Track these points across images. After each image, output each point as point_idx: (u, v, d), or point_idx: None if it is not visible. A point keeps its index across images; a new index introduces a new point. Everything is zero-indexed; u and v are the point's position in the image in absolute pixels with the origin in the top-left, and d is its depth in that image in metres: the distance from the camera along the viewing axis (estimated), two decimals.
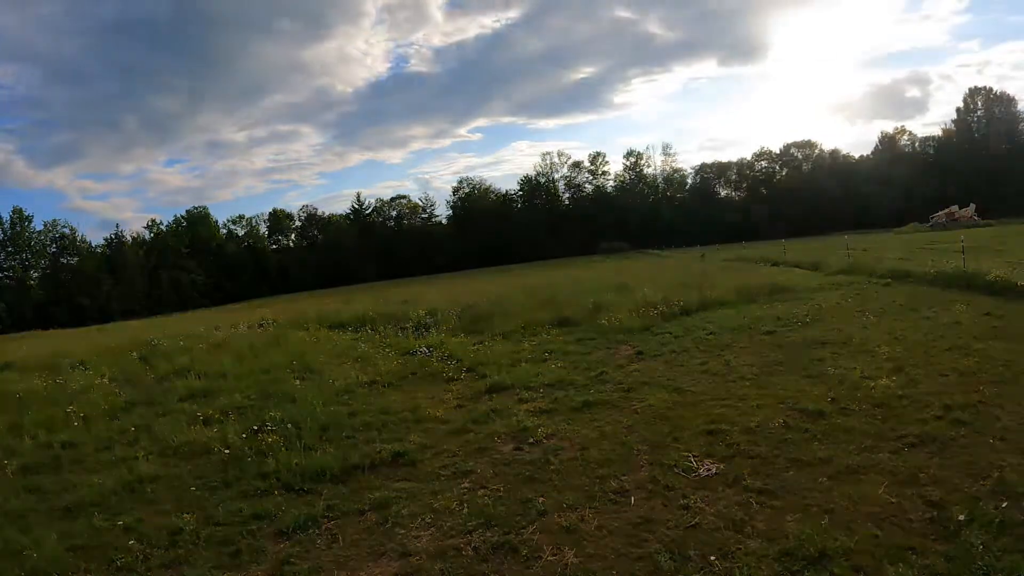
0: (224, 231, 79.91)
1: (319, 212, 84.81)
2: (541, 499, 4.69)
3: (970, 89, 73.58)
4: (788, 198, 75.29)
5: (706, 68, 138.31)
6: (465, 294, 20.72)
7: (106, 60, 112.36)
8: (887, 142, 78.04)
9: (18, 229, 62.22)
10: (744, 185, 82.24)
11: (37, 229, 63.79)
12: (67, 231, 65.13)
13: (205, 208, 79.34)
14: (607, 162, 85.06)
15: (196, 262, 70.74)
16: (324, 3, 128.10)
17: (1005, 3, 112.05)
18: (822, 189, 72.88)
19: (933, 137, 76.37)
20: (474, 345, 11.24)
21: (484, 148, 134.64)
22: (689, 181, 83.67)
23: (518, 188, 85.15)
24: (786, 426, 5.64)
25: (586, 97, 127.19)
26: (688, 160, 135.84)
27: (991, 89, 71.94)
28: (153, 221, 76.03)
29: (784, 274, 19.98)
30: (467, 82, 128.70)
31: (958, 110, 73.44)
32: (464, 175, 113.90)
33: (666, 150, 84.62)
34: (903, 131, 78.35)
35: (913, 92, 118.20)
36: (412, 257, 77.68)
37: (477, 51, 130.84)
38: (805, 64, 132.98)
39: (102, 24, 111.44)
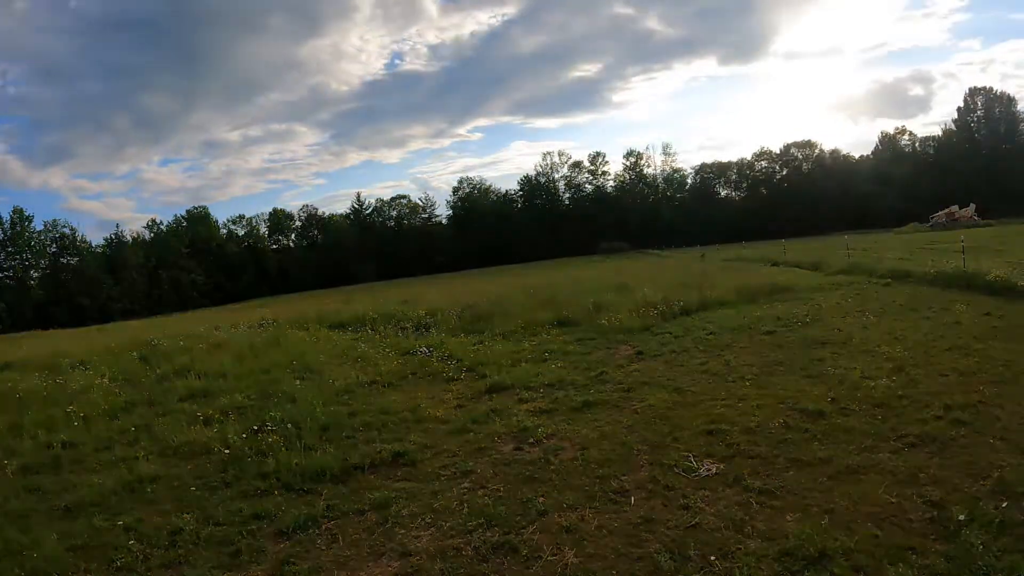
0: (224, 231, 79.95)
1: (319, 212, 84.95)
2: (541, 499, 4.69)
3: (970, 89, 73.72)
4: (788, 198, 75.34)
5: (706, 66, 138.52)
6: (465, 294, 20.72)
7: (93, 58, 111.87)
8: (887, 142, 78.08)
9: (18, 229, 62.20)
10: (744, 185, 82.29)
11: (37, 229, 63.88)
12: (67, 231, 65.19)
13: (205, 208, 79.50)
14: (607, 162, 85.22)
15: (196, 262, 70.75)
16: None
17: (1006, 1, 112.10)
18: (822, 189, 72.89)
19: (933, 137, 76.54)
20: (474, 345, 11.24)
21: (483, 148, 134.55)
22: (689, 181, 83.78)
23: (518, 188, 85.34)
24: (786, 426, 5.64)
25: (585, 96, 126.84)
26: (688, 160, 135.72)
27: (991, 89, 72.06)
28: (153, 221, 76.24)
29: (784, 274, 19.98)
30: (465, 81, 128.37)
31: (958, 110, 73.56)
32: (463, 175, 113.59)
33: (666, 150, 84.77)
34: (903, 131, 78.52)
35: (916, 90, 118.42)
36: (412, 257, 77.72)
37: (474, 48, 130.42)
38: (806, 62, 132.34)
39: (87, 22, 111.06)
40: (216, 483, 5.64)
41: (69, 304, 57.99)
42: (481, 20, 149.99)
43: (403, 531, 4.44)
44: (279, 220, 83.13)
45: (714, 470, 4.91)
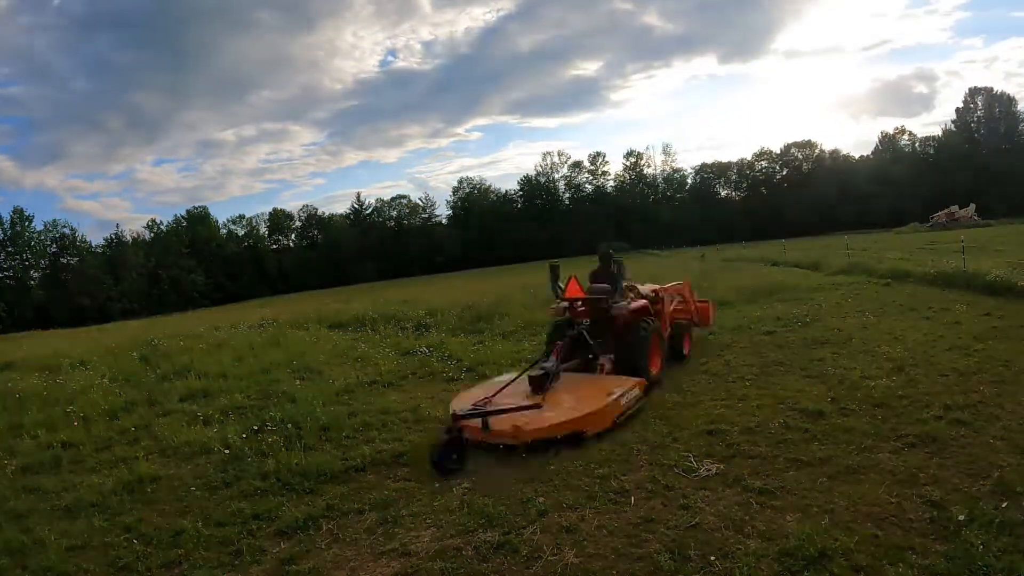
0: (224, 231, 79.95)
1: (319, 212, 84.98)
2: (541, 499, 4.68)
3: (970, 89, 73.79)
4: (788, 198, 75.35)
5: (706, 65, 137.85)
6: (465, 294, 20.72)
7: (78, 56, 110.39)
8: (887, 142, 78.11)
9: (18, 229, 62.22)
10: (744, 185, 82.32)
11: (37, 229, 63.90)
12: (67, 231, 65.22)
13: (205, 208, 79.46)
14: (607, 162, 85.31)
15: (196, 262, 70.75)
16: None
17: None
18: (822, 189, 72.87)
19: (933, 137, 76.54)
20: (474, 345, 11.24)
21: (481, 148, 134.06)
22: (689, 181, 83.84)
23: (518, 188, 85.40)
24: (786, 426, 5.64)
25: (584, 94, 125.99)
26: (688, 160, 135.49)
27: (991, 89, 72.15)
28: (153, 221, 76.19)
29: (784, 274, 19.99)
30: (462, 79, 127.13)
31: (958, 110, 73.64)
32: (461, 175, 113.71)
33: (666, 150, 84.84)
34: (903, 131, 78.53)
35: (919, 89, 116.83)
36: (412, 257, 77.76)
37: (471, 45, 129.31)
38: (807, 61, 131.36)
39: (70, 19, 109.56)
40: (216, 483, 5.63)
41: (69, 304, 58.00)
42: (476, 16, 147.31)
43: (403, 531, 4.43)
44: (279, 220, 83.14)
45: (714, 470, 4.91)
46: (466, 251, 77.02)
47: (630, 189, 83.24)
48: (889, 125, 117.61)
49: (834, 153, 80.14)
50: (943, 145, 73.49)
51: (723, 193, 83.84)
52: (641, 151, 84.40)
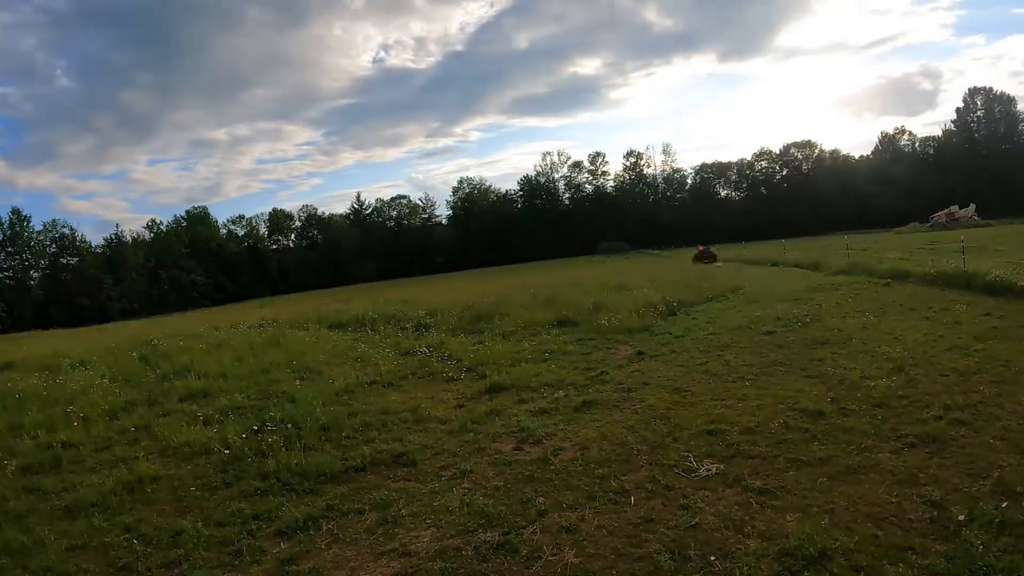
0: (224, 231, 80.00)
1: (319, 212, 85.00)
2: (541, 499, 4.69)
3: (970, 89, 73.81)
4: (788, 198, 75.43)
5: (706, 63, 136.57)
6: (465, 294, 20.71)
7: (63, 54, 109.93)
8: (887, 142, 78.15)
9: (18, 229, 62.23)
10: (744, 185, 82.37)
11: (37, 229, 63.91)
12: (67, 231, 65.23)
13: (205, 208, 79.58)
14: (607, 162, 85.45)
15: (196, 262, 70.77)
16: None
17: None
18: (822, 189, 72.96)
19: (933, 137, 76.64)
20: (474, 345, 11.23)
21: (480, 147, 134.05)
22: (689, 181, 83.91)
23: (518, 188, 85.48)
24: (786, 426, 5.64)
25: (584, 93, 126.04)
26: (688, 160, 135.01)
27: (991, 89, 72.13)
28: (153, 221, 76.32)
29: (784, 274, 20.00)
30: (460, 78, 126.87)
31: (958, 110, 73.64)
32: (458, 174, 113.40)
33: (666, 150, 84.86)
34: (903, 131, 78.57)
35: (923, 87, 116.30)
36: (412, 257, 77.82)
37: (467, 43, 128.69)
38: (808, 59, 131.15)
39: (53, 16, 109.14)
40: (216, 483, 5.64)
41: (69, 304, 58.02)
42: (472, 11, 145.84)
43: (403, 531, 4.43)
44: (279, 220, 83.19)
45: (714, 470, 4.91)
46: (466, 251, 77.05)
47: (630, 189, 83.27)
48: (893, 123, 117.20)
49: (834, 153, 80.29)
50: (943, 145, 73.54)
51: (723, 193, 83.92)
52: (641, 151, 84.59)
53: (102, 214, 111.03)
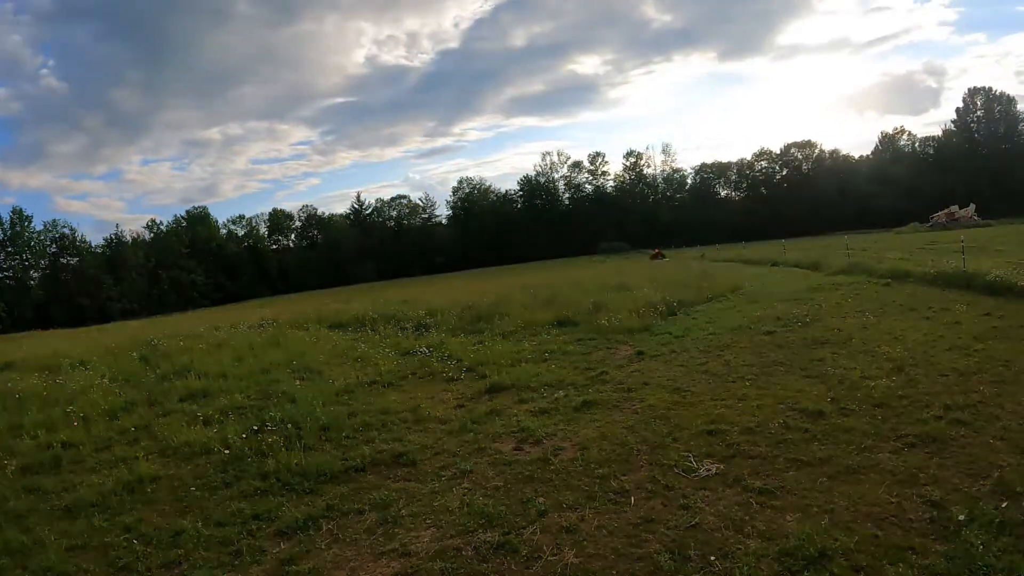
0: (224, 231, 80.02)
1: (319, 212, 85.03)
2: (541, 499, 4.69)
3: (969, 89, 73.84)
4: (788, 198, 75.45)
5: (706, 61, 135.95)
6: (465, 294, 20.71)
7: (48, 52, 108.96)
8: (887, 142, 78.15)
9: (18, 229, 62.23)
10: (744, 185, 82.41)
11: (37, 229, 63.90)
12: (67, 231, 65.26)
13: (205, 208, 79.66)
14: (607, 162, 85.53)
15: (196, 262, 70.80)
16: None
17: None
18: (822, 189, 72.98)
19: (933, 137, 76.64)
20: (474, 345, 11.23)
21: (479, 147, 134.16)
22: (689, 181, 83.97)
23: (518, 188, 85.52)
24: (786, 426, 5.64)
25: (583, 92, 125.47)
26: (688, 159, 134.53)
27: (991, 89, 72.12)
28: (153, 221, 76.39)
29: (784, 274, 20.01)
30: (458, 76, 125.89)
31: (958, 110, 73.66)
32: (457, 174, 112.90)
33: (666, 150, 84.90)
34: (903, 131, 78.58)
35: (928, 83, 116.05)
36: (412, 257, 77.86)
37: (463, 40, 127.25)
38: (809, 58, 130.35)
39: (36, 13, 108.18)
40: (216, 483, 5.64)
41: (69, 304, 58.03)
42: (467, 6, 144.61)
43: (403, 531, 4.43)
44: (279, 220, 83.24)
45: (714, 470, 4.90)
46: (466, 251, 77.07)
47: (630, 189, 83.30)
48: (897, 121, 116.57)
49: (834, 153, 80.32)
50: (943, 145, 73.53)
51: (723, 193, 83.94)
52: (641, 151, 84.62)
53: (98, 214, 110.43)
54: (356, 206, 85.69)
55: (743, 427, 5.74)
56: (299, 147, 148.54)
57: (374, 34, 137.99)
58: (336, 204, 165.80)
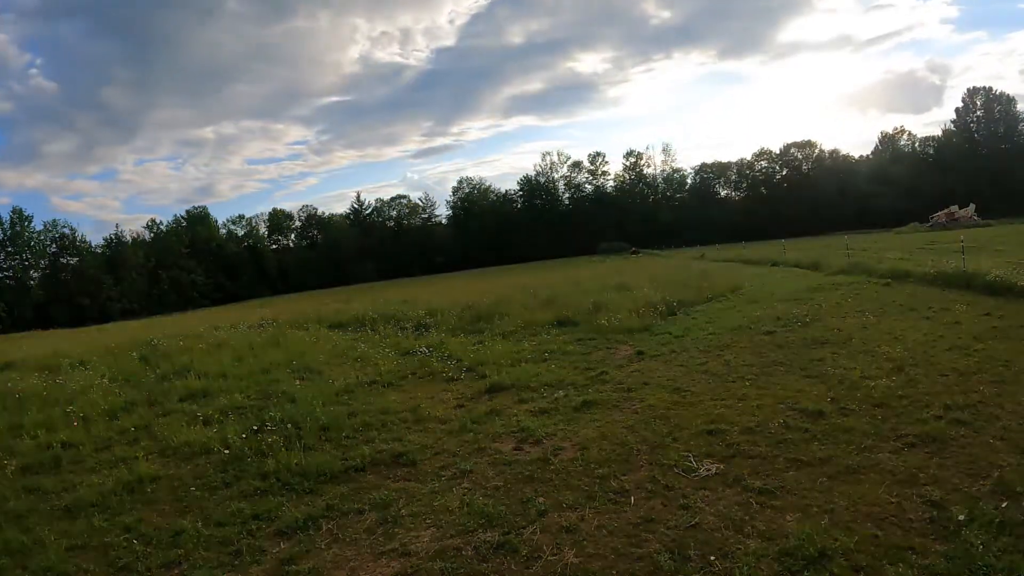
0: (224, 231, 79.99)
1: (319, 212, 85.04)
2: (541, 499, 4.69)
3: (969, 89, 73.80)
4: (788, 198, 75.43)
5: (706, 59, 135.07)
6: (465, 294, 20.72)
7: (36, 51, 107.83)
8: (887, 142, 78.14)
9: (18, 229, 62.20)
10: (744, 185, 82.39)
11: (37, 229, 63.87)
12: (67, 231, 65.22)
13: (205, 208, 79.60)
14: (607, 162, 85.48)
15: (196, 262, 70.78)
16: None
17: None
18: (822, 189, 72.96)
19: (933, 137, 76.60)
20: (474, 345, 11.23)
21: (478, 147, 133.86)
22: (689, 181, 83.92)
23: (518, 188, 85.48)
24: (786, 426, 5.64)
25: (582, 91, 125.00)
26: (687, 158, 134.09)
27: (991, 89, 72.09)
28: (153, 221, 76.36)
29: (784, 274, 20.01)
30: (454, 73, 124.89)
31: (957, 110, 73.61)
32: (455, 174, 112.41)
33: (666, 150, 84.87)
34: (903, 131, 78.56)
35: (932, 81, 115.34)
36: (412, 257, 77.85)
37: (460, 37, 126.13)
38: (811, 55, 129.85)
39: (22, 11, 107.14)
40: (216, 483, 5.64)
41: (69, 304, 58.03)
42: (462, 2, 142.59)
43: (403, 531, 4.43)
44: (279, 220, 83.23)
45: (714, 470, 4.90)
46: (466, 251, 77.05)
47: (630, 189, 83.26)
48: (900, 120, 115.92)
49: (834, 153, 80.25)
50: (943, 145, 73.49)
51: (723, 193, 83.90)
52: (641, 151, 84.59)
53: (94, 214, 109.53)
54: (356, 206, 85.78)
55: (743, 427, 5.74)
56: (295, 147, 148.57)
57: (368, 31, 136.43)
58: (335, 204, 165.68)
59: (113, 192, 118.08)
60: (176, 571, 4.21)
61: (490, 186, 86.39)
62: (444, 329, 13.29)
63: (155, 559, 4.34)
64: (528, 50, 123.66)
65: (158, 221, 76.13)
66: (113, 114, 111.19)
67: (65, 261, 64.05)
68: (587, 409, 6.85)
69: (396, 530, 4.46)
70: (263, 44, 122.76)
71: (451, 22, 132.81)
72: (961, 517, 3.78)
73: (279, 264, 77.96)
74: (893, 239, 36.06)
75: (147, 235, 73.69)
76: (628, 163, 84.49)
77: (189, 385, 9.33)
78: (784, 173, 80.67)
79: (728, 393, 6.92)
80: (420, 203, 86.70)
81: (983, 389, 6.09)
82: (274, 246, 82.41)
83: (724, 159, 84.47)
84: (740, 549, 3.73)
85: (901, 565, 3.39)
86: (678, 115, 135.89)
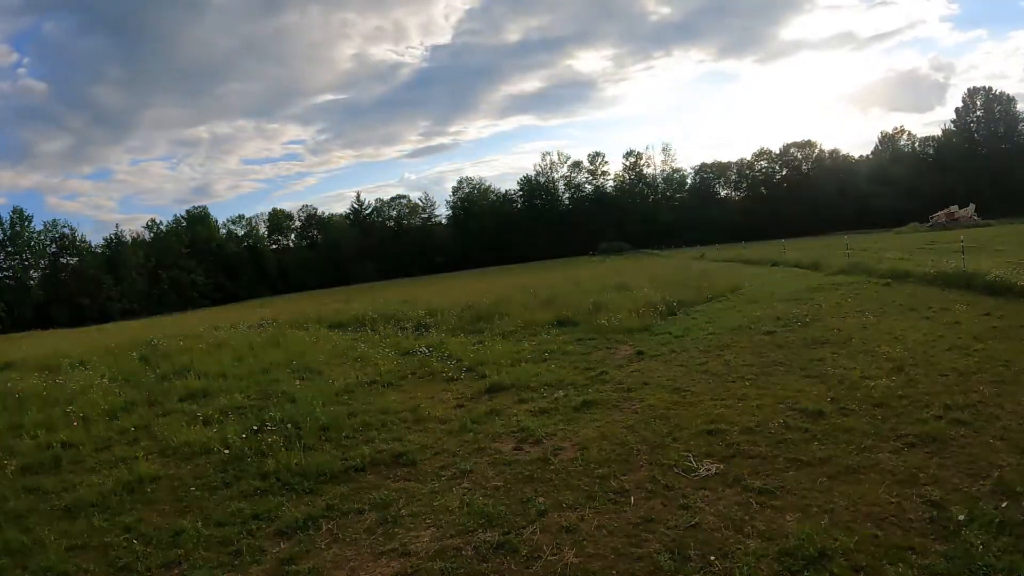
0: (224, 231, 79.99)
1: (319, 212, 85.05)
2: (541, 499, 4.69)
3: (969, 89, 73.80)
4: (788, 198, 75.40)
5: (706, 57, 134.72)
6: (465, 294, 20.72)
7: (24, 50, 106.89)
8: (887, 142, 78.12)
9: (18, 229, 62.18)
10: (744, 185, 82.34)
11: (37, 229, 63.86)
12: (67, 231, 65.21)
13: (205, 208, 79.59)
14: (607, 162, 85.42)
15: (196, 262, 70.77)
16: None
17: None
18: (822, 189, 72.92)
19: (933, 137, 76.57)
20: (474, 345, 11.24)
21: (477, 147, 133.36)
22: (689, 181, 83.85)
23: (518, 188, 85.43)
24: (786, 426, 5.64)
25: (581, 88, 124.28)
26: (687, 158, 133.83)
27: (991, 89, 72.09)
28: (153, 221, 76.37)
29: (784, 274, 20.01)
30: (451, 72, 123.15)
31: (957, 110, 73.61)
32: (454, 174, 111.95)
33: (666, 150, 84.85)
34: (903, 131, 78.54)
35: (935, 78, 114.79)
36: (412, 257, 77.84)
37: (456, 35, 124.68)
38: (812, 53, 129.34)
39: (5, 8, 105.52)
40: (216, 483, 5.64)
41: (69, 304, 58.02)
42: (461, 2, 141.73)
43: (403, 531, 4.43)
44: (278, 220, 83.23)
45: (714, 470, 4.90)
46: (466, 251, 77.03)
47: (630, 189, 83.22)
48: (902, 118, 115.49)
49: (834, 153, 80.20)
50: (943, 145, 73.47)
51: (723, 193, 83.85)
52: (640, 151, 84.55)
53: (90, 214, 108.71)
54: (356, 206, 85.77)
55: (743, 427, 5.74)
56: (292, 146, 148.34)
57: (361, 26, 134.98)
58: (333, 204, 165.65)
59: (108, 192, 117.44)
60: (176, 571, 4.21)
61: (490, 186, 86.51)
62: (444, 329, 13.29)
63: (155, 559, 4.34)
64: (526, 47, 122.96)
65: (158, 221, 76.29)
66: (105, 113, 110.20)
67: (65, 261, 64.04)
68: (587, 409, 6.85)
69: (396, 530, 4.46)
70: (254, 40, 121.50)
71: (446, 17, 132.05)
72: (961, 517, 3.78)
73: (279, 264, 77.96)
74: (893, 239, 36.07)
75: (147, 235, 73.79)
76: (628, 163, 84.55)
77: (189, 385, 9.33)
78: (784, 173, 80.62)
79: (728, 393, 6.92)
80: (420, 203, 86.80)
81: (983, 389, 6.09)
82: (274, 246, 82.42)
83: (724, 159, 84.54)
84: (740, 549, 3.73)
85: (901, 565, 3.39)
86: (678, 115, 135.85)
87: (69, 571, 4.29)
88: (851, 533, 3.75)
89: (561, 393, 7.57)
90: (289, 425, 6.90)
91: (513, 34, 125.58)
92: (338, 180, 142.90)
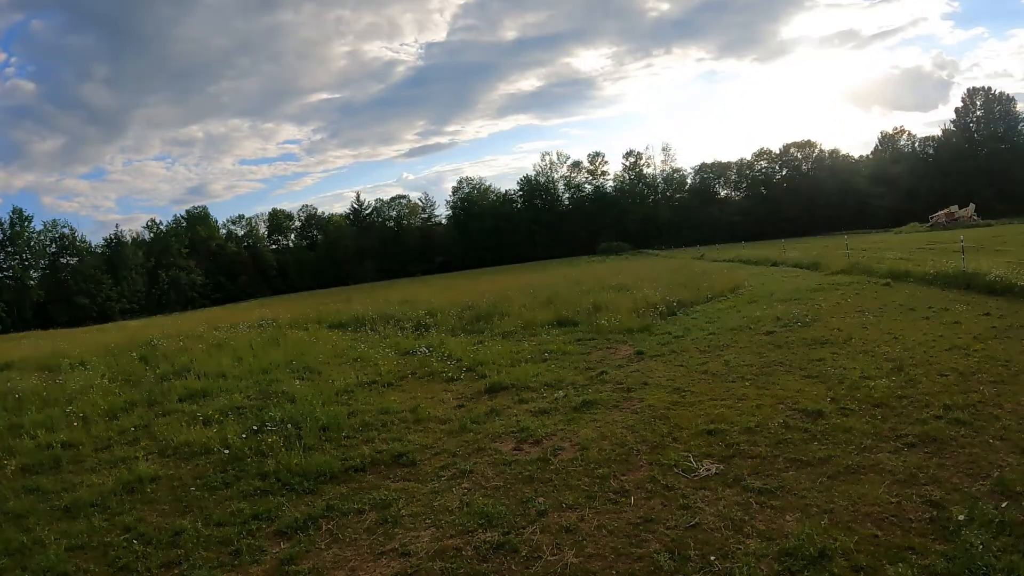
0: (224, 231, 79.99)
1: (318, 212, 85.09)
2: (541, 499, 4.69)
3: (969, 89, 73.70)
4: (788, 198, 75.34)
5: (706, 55, 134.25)
6: (465, 294, 20.72)
7: (10, 49, 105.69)
8: (887, 142, 78.10)
9: (18, 229, 62.15)
10: (744, 185, 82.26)
11: (37, 229, 63.83)
12: (67, 231, 65.18)
13: (204, 208, 79.62)
14: (606, 162, 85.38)
15: (196, 262, 70.79)
16: None
17: None
18: (822, 189, 72.88)
19: (933, 137, 76.45)
20: (474, 345, 11.24)
21: (476, 147, 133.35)
22: (689, 181, 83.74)
23: (518, 188, 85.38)
24: (786, 426, 5.64)
25: (580, 87, 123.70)
26: (687, 157, 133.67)
27: (990, 89, 72.03)
28: (153, 221, 76.42)
29: (784, 274, 20.01)
30: (448, 71, 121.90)
31: (957, 110, 73.52)
32: (453, 174, 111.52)
33: (665, 149, 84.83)
34: (902, 131, 78.51)
35: (938, 76, 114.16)
36: (412, 257, 77.86)
37: (454, 32, 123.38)
38: (813, 50, 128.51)
39: None
40: (216, 483, 5.64)
41: (69, 304, 58.00)
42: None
43: (403, 531, 4.43)
44: (278, 220, 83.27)
45: (714, 470, 4.90)
46: (466, 251, 77.02)
47: (630, 189, 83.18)
48: (905, 116, 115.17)
49: (834, 153, 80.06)
50: (943, 145, 73.39)
51: (723, 193, 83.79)
52: (640, 151, 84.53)
53: (88, 214, 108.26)
54: (356, 206, 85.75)
55: (743, 427, 5.73)
56: (288, 146, 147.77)
57: (355, 24, 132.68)
58: (332, 204, 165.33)
59: (104, 192, 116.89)
60: (176, 571, 4.21)
61: (490, 186, 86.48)
62: (444, 329, 13.29)
63: (155, 559, 4.34)
64: (523, 45, 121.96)
65: (158, 221, 76.32)
66: (96, 112, 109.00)
67: (65, 261, 63.98)
68: (587, 409, 6.85)
69: (396, 530, 4.46)
70: (246, 38, 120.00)
71: (441, 13, 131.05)
72: (961, 517, 3.77)
73: (279, 264, 77.97)
74: (893, 239, 36.09)
75: (147, 235, 73.80)
76: (628, 163, 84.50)
77: (189, 385, 9.33)
78: (784, 173, 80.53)
79: (728, 393, 6.92)
80: (420, 203, 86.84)
81: (983, 389, 6.09)
82: (274, 246, 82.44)
83: (724, 159, 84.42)
84: (740, 549, 3.73)
85: (901, 565, 3.39)
86: (678, 114, 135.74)
87: (69, 571, 4.29)
88: (851, 533, 3.75)
89: (561, 393, 7.57)
90: (289, 425, 6.89)
91: (510, 31, 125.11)
92: (336, 180, 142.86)
